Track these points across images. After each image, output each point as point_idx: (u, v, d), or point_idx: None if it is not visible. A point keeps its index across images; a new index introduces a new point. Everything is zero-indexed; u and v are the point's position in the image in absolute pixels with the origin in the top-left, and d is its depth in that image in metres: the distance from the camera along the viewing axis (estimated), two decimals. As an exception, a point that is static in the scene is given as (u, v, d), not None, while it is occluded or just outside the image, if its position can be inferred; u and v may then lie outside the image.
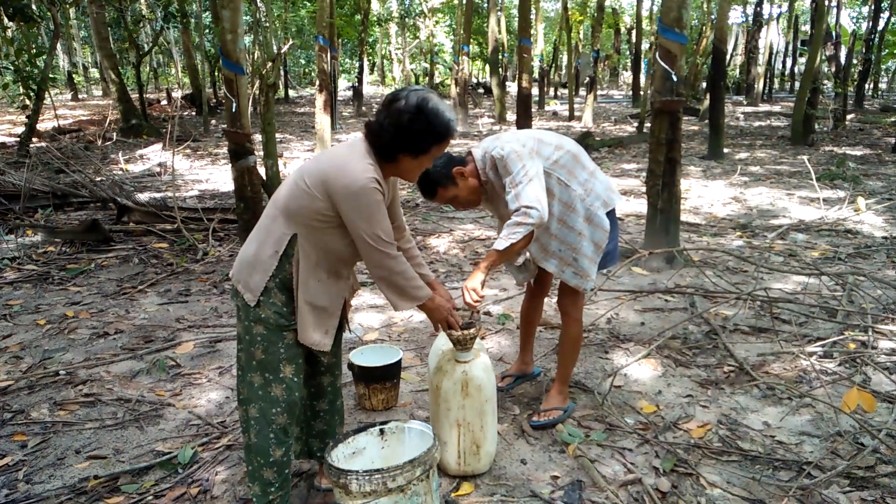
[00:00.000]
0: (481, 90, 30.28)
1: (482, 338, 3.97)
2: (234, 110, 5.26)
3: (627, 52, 34.61)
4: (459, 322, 2.37)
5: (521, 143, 2.65)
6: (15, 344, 3.93)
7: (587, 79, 19.62)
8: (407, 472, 1.92)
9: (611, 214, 2.83)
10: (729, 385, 3.34)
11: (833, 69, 14.72)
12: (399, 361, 3.15)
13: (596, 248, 2.79)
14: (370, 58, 32.90)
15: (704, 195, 8.46)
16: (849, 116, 17.08)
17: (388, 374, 3.11)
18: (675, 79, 4.95)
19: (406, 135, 1.96)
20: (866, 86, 23.87)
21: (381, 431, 2.25)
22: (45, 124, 14.91)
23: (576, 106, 20.70)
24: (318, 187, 1.97)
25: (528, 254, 3.08)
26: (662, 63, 4.96)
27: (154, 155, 11.79)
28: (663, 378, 3.44)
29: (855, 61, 20.09)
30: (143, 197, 7.74)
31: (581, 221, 2.75)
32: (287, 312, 2.06)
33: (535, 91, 20.72)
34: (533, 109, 14.85)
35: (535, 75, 23.47)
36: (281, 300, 2.05)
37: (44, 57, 12.13)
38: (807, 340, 3.79)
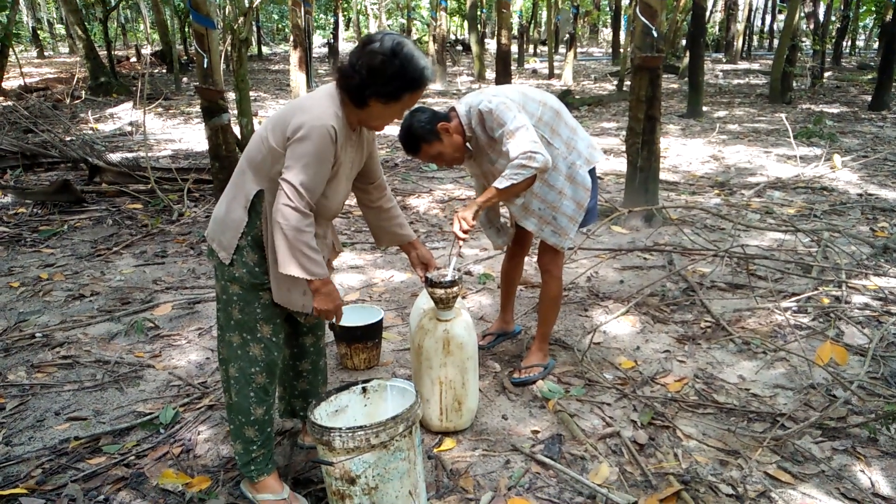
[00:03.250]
0: (460, 47, 29.81)
1: (463, 297, 3.98)
2: (205, 66, 5.12)
3: (607, 8, 34.18)
4: (340, 317, 2.10)
5: (508, 96, 2.61)
6: (-12, 307, 3.86)
7: (567, 36, 19.40)
8: (390, 428, 1.93)
9: (591, 172, 2.82)
10: (705, 340, 3.39)
11: (811, 26, 14.69)
12: (380, 321, 3.15)
13: (577, 207, 2.78)
14: (346, 13, 32.13)
15: (683, 153, 8.48)
16: (826, 74, 17.14)
17: (370, 334, 3.11)
18: (655, 34, 4.90)
19: (378, 78, 1.87)
20: (844, 43, 23.91)
21: (364, 390, 2.25)
22: (11, 83, 14.45)
23: (555, 63, 20.49)
24: (279, 135, 1.90)
25: (506, 218, 3.07)
26: (643, 18, 4.90)
27: (124, 114, 11.50)
28: (641, 334, 3.49)
29: (833, 18, 20.07)
30: (115, 157, 7.56)
31: (562, 180, 2.74)
32: (260, 272, 2.01)
33: (514, 48, 20.44)
34: (512, 67, 14.67)
35: (515, 32, 23.14)
36: (253, 259, 2.00)
37: (6, 12, 11.67)
38: (782, 296, 3.85)
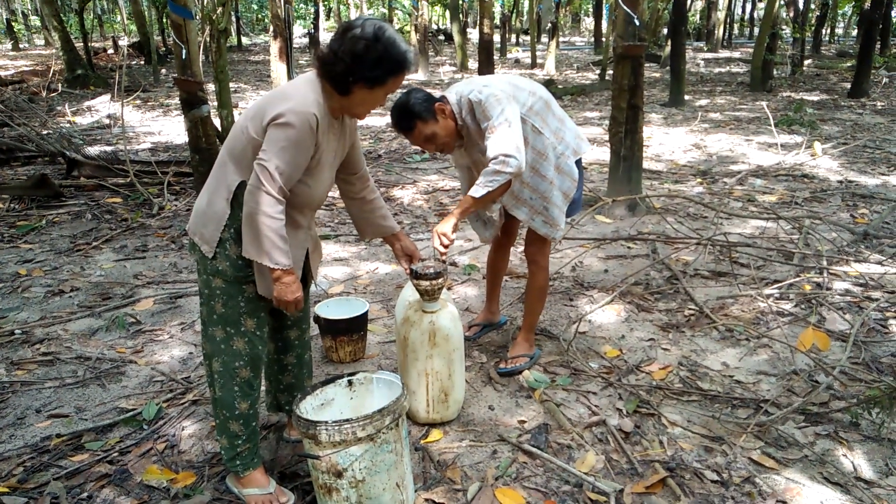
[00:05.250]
0: (442, 37, 29.67)
1: (449, 288, 3.97)
2: (184, 57, 5.05)
3: (589, -2, 34.19)
4: (299, 308, 2.03)
5: (498, 87, 2.57)
6: (-35, 304, 3.79)
7: (549, 25, 19.37)
8: (376, 421, 1.92)
9: (577, 163, 2.81)
10: (689, 328, 3.41)
11: (791, 14, 14.79)
12: (365, 313, 3.13)
13: (564, 198, 2.78)
14: (326, 3, 31.82)
15: (666, 142, 8.51)
16: (806, 62, 17.28)
17: (355, 327, 3.09)
18: (637, 23, 4.89)
19: (363, 63, 1.85)
20: (823, 31, 24.12)
21: (350, 383, 2.24)
22: (-16, 75, 14.18)
23: (538, 53, 20.47)
24: (257, 123, 1.87)
25: (494, 212, 3.06)
26: (625, 6, 4.89)
27: (102, 106, 11.34)
28: (626, 323, 3.50)
29: (812, 6, 20.22)
30: (93, 150, 7.44)
31: (552, 170, 2.72)
32: (243, 265, 1.98)
33: (496, 38, 20.39)
34: (495, 57, 14.64)
35: (497, 21, 23.08)
36: (236, 252, 1.96)
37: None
38: (764, 283, 3.89)
